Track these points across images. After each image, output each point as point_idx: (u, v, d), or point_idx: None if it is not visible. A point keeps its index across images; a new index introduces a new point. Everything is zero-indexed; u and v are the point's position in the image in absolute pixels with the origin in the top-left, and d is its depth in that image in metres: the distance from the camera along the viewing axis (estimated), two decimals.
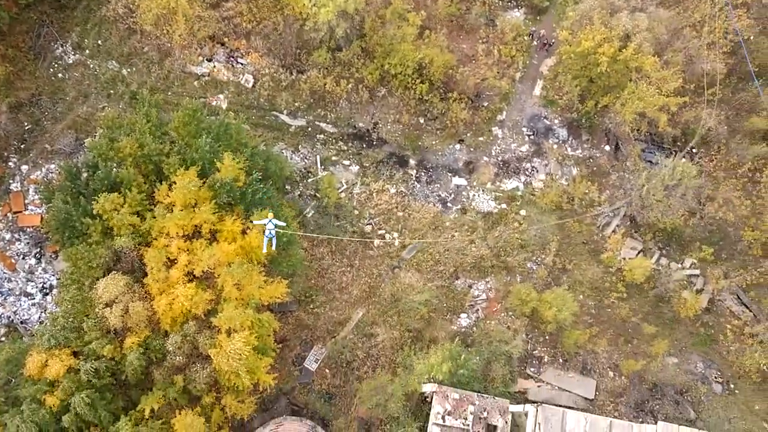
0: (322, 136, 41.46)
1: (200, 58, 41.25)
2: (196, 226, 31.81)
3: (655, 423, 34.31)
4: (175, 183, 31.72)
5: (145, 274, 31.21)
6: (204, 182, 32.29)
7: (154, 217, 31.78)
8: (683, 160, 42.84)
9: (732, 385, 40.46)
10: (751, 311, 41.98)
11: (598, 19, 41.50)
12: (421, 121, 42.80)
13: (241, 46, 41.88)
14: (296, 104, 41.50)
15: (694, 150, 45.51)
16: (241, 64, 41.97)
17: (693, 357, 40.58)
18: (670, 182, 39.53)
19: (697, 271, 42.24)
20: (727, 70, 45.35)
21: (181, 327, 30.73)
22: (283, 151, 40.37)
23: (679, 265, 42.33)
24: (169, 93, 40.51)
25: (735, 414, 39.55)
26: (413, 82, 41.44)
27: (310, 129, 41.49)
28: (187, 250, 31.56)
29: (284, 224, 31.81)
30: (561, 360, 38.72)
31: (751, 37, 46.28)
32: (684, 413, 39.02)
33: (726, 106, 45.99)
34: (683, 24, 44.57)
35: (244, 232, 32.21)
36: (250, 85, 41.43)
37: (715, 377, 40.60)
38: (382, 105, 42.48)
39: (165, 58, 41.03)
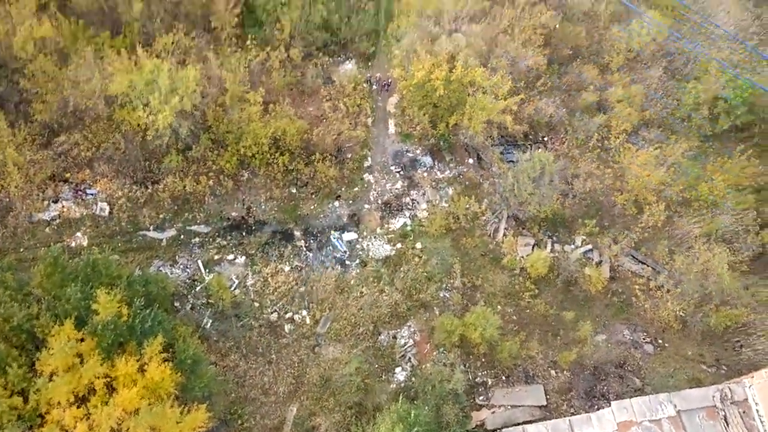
0: (197, 239, 37.12)
1: (45, 203, 35.93)
2: (87, 384, 26.49)
3: (609, 404, 32.80)
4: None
5: None
6: (83, 331, 27.12)
7: (37, 390, 26.14)
8: (539, 150, 42.98)
9: (660, 341, 39.93)
10: (648, 266, 42.18)
11: (422, 50, 41.23)
12: (293, 190, 39.79)
13: (86, 176, 37.00)
14: (161, 216, 36.99)
15: (545, 138, 46.02)
16: (91, 194, 37.01)
17: (617, 327, 39.71)
18: (534, 174, 39.19)
19: (590, 246, 42.00)
20: (547, 59, 46.63)
21: None
22: (161, 268, 35.54)
23: (572, 246, 41.94)
24: (21, 249, 34.76)
25: (673, 366, 38.84)
26: (273, 156, 38.54)
27: (182, 237, 37.02)
28: (85, 415, 26.12)
29: None
30: (504, 377, 36.32)
31: (557, 26, 48.09)
32: (630, 384, 37.70)
33: (557, 91, 47.22)
34: (496, 32, 45.32)
35: (141, 370, 27.26)
36: (107, 212, 36.49)
37: (644, 339, 39.92)
38: (249, 188, 39.02)
39: (6, 215, 35.36)
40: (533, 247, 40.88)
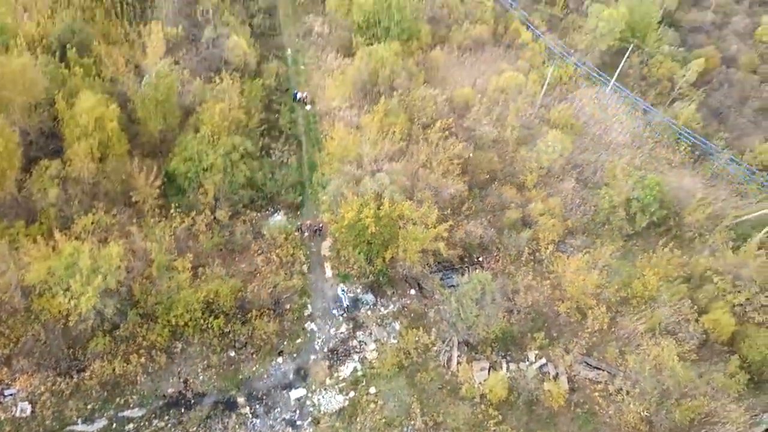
0: (131, 425, 34.58)
1: None
2: None
3: None
4: None
5: None
6: None
7: None
8: (476, 271, 44.27)
9: None
10: (603, 370, 42.54)
11: (349, 192, 43.15)
12: (232, 353, 38.57)
13: (3, 376, 34.54)
14: (89, 407, 34.59)
15: (479, 259, 47.70)
16: (10, 395, 34.35)
17: None
18: (476, 295, 40.05)
19: (543, 360, 42.23)
20: (467, 185, 49.81)
21: None
22: None
23: (527, 363, 41.99)
24: None
25: None
26: (206, 321, 37.82)
27: (114, 425, 34.40)
28: None
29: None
30: None
31: (471, 155, 52.01)
32: None
33: (483, 213, 49.97)
34: (416, 167, 48.42)
35: None
36: (29, 412, 33.78)
37: None
38: (184, 359, 37.53)
39: None
40: (489, 371, 40.60)
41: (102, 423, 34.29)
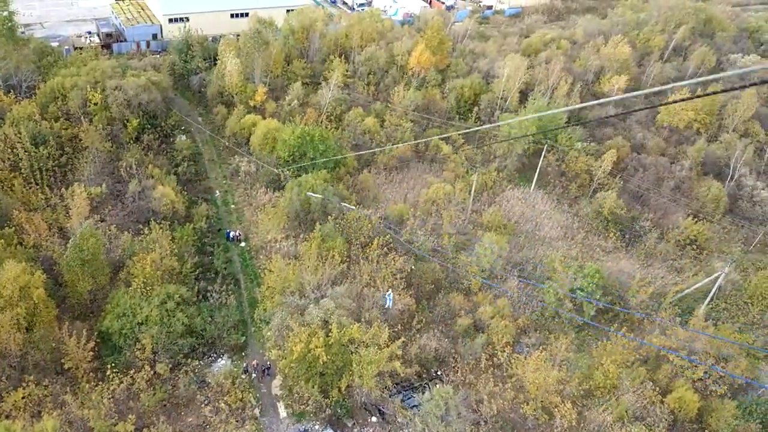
0: None
1: None
2: None
3: None
4: None
5: None
6: None
7: None
8: (437, 386, 45.66)
9: None
10: None
11: (294, 323, 44.59)
12: None
13: None
14: None
15: (438, 373, 49.26)
16: None
17: None
18: (440, 412, 41.18)
19: None
20: (414, 298, 52.60)
21: None
22: None
23: None
24: None
25: None
26: None
27: None
28: None
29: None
30: None
31: (412, 267, 55.30)
32: None
33: (434, 324, 52.30)
34: (360, 288, 51.05)
35: None
36: None
37: None
38: None
39: None
40: None
41: None
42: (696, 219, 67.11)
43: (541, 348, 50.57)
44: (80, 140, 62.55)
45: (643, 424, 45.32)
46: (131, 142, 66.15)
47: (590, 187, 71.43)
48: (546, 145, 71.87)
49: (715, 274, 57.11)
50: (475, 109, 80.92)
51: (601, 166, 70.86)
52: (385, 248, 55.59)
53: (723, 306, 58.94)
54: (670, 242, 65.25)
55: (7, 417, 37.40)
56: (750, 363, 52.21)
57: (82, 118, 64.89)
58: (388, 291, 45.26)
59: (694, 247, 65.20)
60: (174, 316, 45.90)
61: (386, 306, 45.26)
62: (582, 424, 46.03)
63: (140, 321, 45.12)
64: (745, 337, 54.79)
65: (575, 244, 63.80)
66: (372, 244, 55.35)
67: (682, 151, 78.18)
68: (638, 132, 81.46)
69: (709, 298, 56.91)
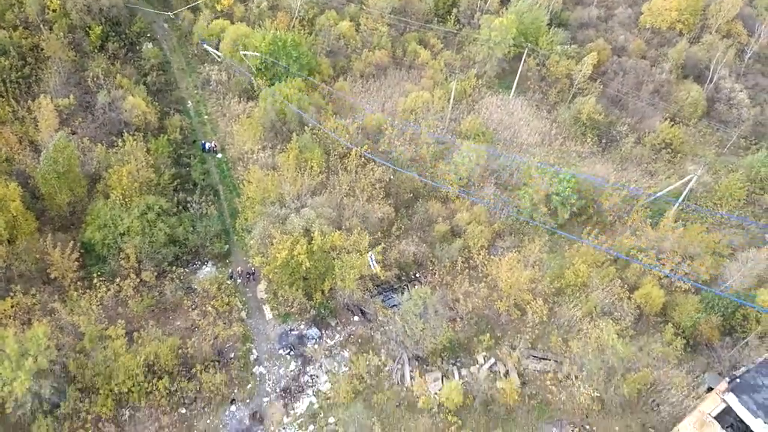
0: None
1: None
2: None
3: None
4: None
5: None
6: None
7: None
8: (415, 287, 49.38)
9: (587, 426, 45.00)
10: (550, 360, 48.40)
11: (276, 232, 47.34)
12: (183, 411, 41.44)
13: None
14: None
15: (416, 275, 53.09)
16: None
17: (546, 428, 44.35)
18: (418, 310, 44.91)
19: (492, 360, 47.58)
20: (393, 207, 55.59)
21: None
22: None
23: (477, 366, 47.16)
24: None
25: None
26: (150, 384, 40.60)
27: None
28: None
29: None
30: None
31: (391, 177, 57.79)
32: None
33: (413, 231, 55.62)
34: (339, 197, 53.60)
35: None
36: None
37: (572, 430, 44.72)
38: (134, 426, 40.04)
39: None
40: (442, 380, 45.41)
41: None
42: (673, 123, 70.02)
43: (515, 250, 54.38)
44: (42, 50, 62.19)
45: (611, 318, 49.95)
46: (96, 51, 65.82)
47: (570, 92, 73.40)
48: (527, 49, 72.96)
49: (687, 177, 60.68)
50: (455, 11, 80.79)
51: (581, 70, 72.45)
52: (363, 158, 57.72)
53: (693, 208, 62.89)
54: (645, 146, 68.36)
55: None
56: (714, 260, 56.66)
57: (41, 26, 64.09)
58: (369, 253, 47.50)
59: (669, 150, 68.49)
60: (155, 227, 48.32)
61: (371, 267, 47.88)
62: (552, 319, 50.60)
63: (122, 232, 47.50)
64: (712, 236, 59.03)
65: (552, 150, 66.63)
66: (350, 155, 57.37)
67: (663, 54, 79.89)
68: (620, 34, 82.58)
69: (680, 200, 60.68)
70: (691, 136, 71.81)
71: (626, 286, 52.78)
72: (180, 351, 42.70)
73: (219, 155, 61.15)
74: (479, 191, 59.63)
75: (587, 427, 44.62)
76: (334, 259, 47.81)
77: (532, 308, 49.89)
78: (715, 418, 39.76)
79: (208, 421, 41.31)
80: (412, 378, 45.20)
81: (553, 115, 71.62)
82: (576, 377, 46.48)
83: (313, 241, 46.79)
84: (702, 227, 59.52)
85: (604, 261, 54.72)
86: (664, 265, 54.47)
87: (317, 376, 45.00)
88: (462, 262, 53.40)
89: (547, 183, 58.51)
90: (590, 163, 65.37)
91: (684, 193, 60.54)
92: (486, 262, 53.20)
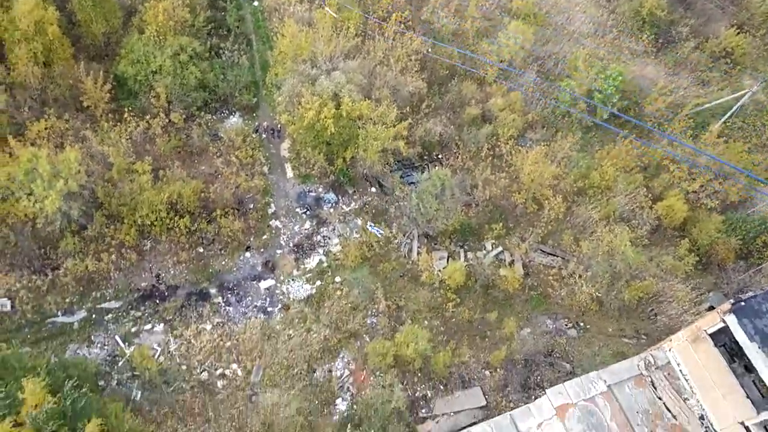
0: (109, 316, 42.02)
1: None
2: None
3: (545, 392, 38.92)
4: None
5: None
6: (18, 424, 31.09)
7: None
8: (436, 168, 51.46)
9: (582, 324, 48.58)
10: (557, 256, 51.21)
11: (306, 91, 48.87)
12: (201, 250, 45.65)
13: None
14: (67, 300, 41.72)
15: (439, 156, 54.94)
16: None
17: (540, 319, 48.02)
18: (436, 191, 47.24)
19: (500, 248, 50.53)
20: (426, 82, 56.15)
21: None
22: (77, 351, 40.07)
23: (484, 252, 50.25)
24: None
25: (597, 345, 47.53)
26: (172, 221, 44.35)
27: (94, 316, 41.83)
28: None
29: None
30: (442, 387, 43.23)
31: (429, 50, 57.93)
32: (561, 369, 45.77)
33: (442, 110, 56.66)
34: (373, 65, 54.31)
35: None
36: (9, 307, 40.74)
37: (566, 325, 48.39)
38: (154, 256, 44.52)
39: None
40: (448, 260, 48.79)
41: (82, 314, 41.64)
42: (739, 31, 67.54)
43: (544, 144, 55.51)
44: None
45: (628, 225, 51.94)
46: None
47: None
48: None
49: (742, 92, 59.79)
50: None
51: None
52: (403, 26, 57.43)
53: (739, 125, 62.46)
54: (704, 52, 66.59)
55: (32, 144, 43.47)
56: (749, 183, 57.30)
57: None
58: (369, 223, 49.28)
59: (728, 60, 66.72)
60: (187, 69, 50.11)
61: (374, 230, 49.18)
62: (568, 218, 52.78)
63: (154, 69, 49.42)
64: (752, 158, 59.17)
65: (604, 43, 65.29)
66: (389, 19, 57.06)
67: None
68: None
69: (728, 115, 60.27)
70: (755, 48, 69.39)
71: (651, 195, 54.13)
72: (202, 195, 46.06)
73: (255, 2, 61.25)
74: (519, 77, 59.67)
75: (581, 324, 48.22)
76: (359, 128, 49.54)
77: (550, 204, 51.87)
78: (710, 335, 42.47)
79: (224, 263, 45.61)
80: (419, 254, 48.55)
81: (613, 4, 69.29)
82: (580, 276, 49.32)
83: (341, 107, 48.34)
84: (744, 146, 59.43)
85: (633, 167, 55.76)
86: (694, 180, 55.41)
87: (329, 238, 48.58)
88: (488, 149, 54.86)
89: (592, 77, 58.29)
90: (641, 63, 64.26)
91: (734, 108, 59.96)
92: (512, 152, 54.62)
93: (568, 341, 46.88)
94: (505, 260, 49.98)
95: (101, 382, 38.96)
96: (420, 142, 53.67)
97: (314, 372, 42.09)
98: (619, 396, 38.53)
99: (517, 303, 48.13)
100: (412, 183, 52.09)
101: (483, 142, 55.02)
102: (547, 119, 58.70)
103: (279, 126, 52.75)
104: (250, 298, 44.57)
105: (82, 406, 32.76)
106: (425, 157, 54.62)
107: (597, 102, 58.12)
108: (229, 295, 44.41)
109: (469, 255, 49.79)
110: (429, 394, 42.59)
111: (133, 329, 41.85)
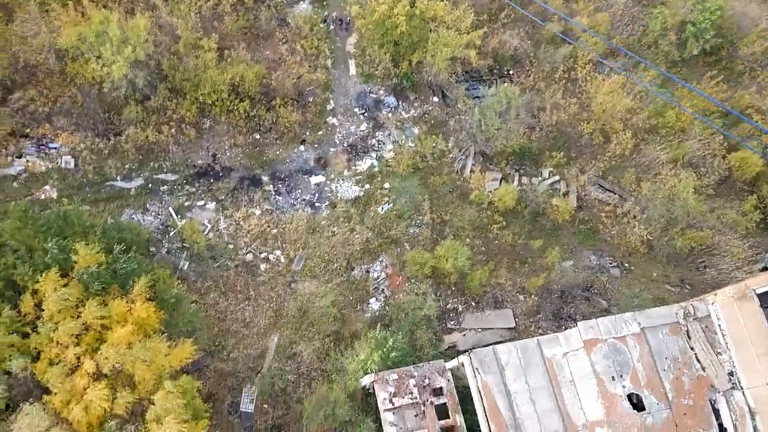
0: (165, 187, 45.21)
1: (9, 159, 43.59)
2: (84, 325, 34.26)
3: (576, 325, 39.81)
4: (35, 292, 33.97)
5: (44, 392, 33.25)
6: (69, 278, 34.67)
7: (37, 331, 33.84)
8: (504, 84, 51.52)
9: (626, 264, 49.69)
10: (615, 193, 51.61)
11: None
12: (257, 136, 47.80)
13: (46, 131, 44.44)
14: (126, 166, 44.95)
15: (510, 72, 54.69)
16: (54, 148, 44.56)
17: (584, 253, 49.24)
18: (500, 108, 47.64)
19: (557, 177, 51.15)
20: None
21: (101, 429, 33.08)
22: (133, 216, 43.61)
23: (540, 178, 51.03)
24: None
25: (638, 288, 48.71)
26: (233, 103, 46.27)
27: (150, 185, 45.12)
28: (83, 352, 33.93)
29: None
30: (473, 303, 45.60)
31: None
32: (597, 305, 47.45)
33: (522, 23, 55.68)
34: None
35: (129, 309, 35.11)
36: (72, 165, 44.23)
37: (610, 263, 49.59)
38: (212, 136, 46.92)
39: None
40: (500, 182, 49.81)
41: (139, 182, 45.03)
42: None
43: (624, 74, 54.40)
44: None
45: (694, 171, 51.48)
46: None
47: None
48: None
49: None
50: None
51: None
52: None
53: None
54: None
55: (104, 7, 45.24)
56: None
57: None
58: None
59: None
60: None
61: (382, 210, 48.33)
62: (634, 156, 52.56)
63: None
64: None
65: None
66: None
67: None
68: None
69: None
70: None
71: (726, 144, 53.16)
72: (264, 81, 47.58)
73: None
74: None
75: (626, 264, 49.27)
76: (430, 31, 49.42)
77: (618, 139, 51.60)
78: (757, 295, 42.99)
79: (278, 153, 47.85)
80: (472, 171, 49.61)
81: None
82: (634, 217, 49.82)
83: (415, 5, 48.14)
84: None
85: (713, 111, 54.46)
86: None
87: (384, 143, 49.95)
88: (563, 71, 54.20)
89: (689, 8, 55.99)
90: None
91: None
92: (588, 78, 53.86)
93: (609, 279, 48.18)
94: (559, 190, 50.68)
95: (152, 249, 42.70)
96: (492, 55, 53.32)
97: (352, 270, 44.94)
98: (651, 339, 39.57)
99: (564, 234, 49.28)
100: (476, 97, 52.34)
101: (559, 62, 54.28)
102: (631, 47, 57.03)
103: (348, 18, 53.00)
104: (299, 190, 47.01)
105: (133, 267, 36.16)
106: (495, 71, 54.41)
107: (688, 35, 56.10)
108: (280, 185, 46.92)
109: (524, 180, 50.63)
110: (460, 308, 45.10)
111: (186, 203, 45.11)
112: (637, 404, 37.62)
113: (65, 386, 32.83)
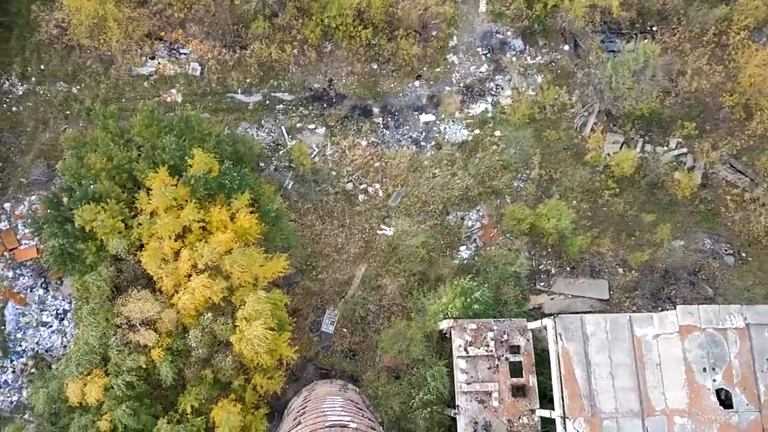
0: (281, 106, 48.75)
1: (143, 59, 48.46)
2: (184, 224, 38.59)
3: (674, 308, 39.84)
4: (150, 190, 38.43)
5: (149, 280, 38.22)
6: (179, 179, 38.84)
7: (140, 224, 38.53)
8: (645, 41, 50.21)
9: (744, 254, 48.58)
10: (747, 176, 49.88)
11: None
12: (374, 66, 49.94)
13: (179, 36, 48.79)
14: (247, 81, 48.71)
15: (653, 28, 52.94)
16: (184, 54, 49.01)
17: (698, 235, 48.55)
18: (636, 67, 46.63)
19: (685, 150, 50.03)
20: None
21: (198, 320, 37.75)
22: (248, 130, 47.66)
23: (665, 148, 50.10)
24: (123, 100, 47.87)
25: (751, 281, 47.73)
26: (356, 29, 48.33)
27: (267, 102, 48.78)
28: (182, 248, 38.38)
29: None
30: (568, 268, 46.64)
31: None
32: (701, 292, 47.12)
33: None
34: None
35: (232, 218, 39.07)
36: (198, 72, 48.62)
37: (725, 250, 48.65)
38: (331, 60, 49.53)
39: (109, 67, 48.41)
40: (622, 146, 49.42)
41: (257, 98, 48.81)
42: None
43: None
44: None
45: None
46: None
47: None
48: None
49: None
50: None
51: None
52: None
53: None
54: None
55: None
56: None
57: None
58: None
59: None
60: None
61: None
62: None
63: None
64: None
65: None
66: None
67: None
68: None
69: None
70: None
71: None
72: (390, 9, 48.97)
73: None
74: None
75: (743, 254, 48.17)
76: None
77: (762, 117, 49.42)
78: None
79: (392, 85, 49.93)
80: (592, 131, 49.48)
81: None
82: (763, 205, 48.16)
83: None
84: None
85: None
86: None
87: (502, 88, 50.63)
88: (713, 34, 51.81)
89: None
90: None
91: None
92: (740, 46, 51.28)
93: (720, 267, 47.53)
94: (684, 164, 49.67)
95: (261, 164, 46.75)
96: (637, 7, 51.75)
97: (447, 214, 47.06)
98: (755, 337, 39.03)
99: (681, 212, 48.66)
100: (612, 51, 51.35)
101: (711, 24, 51.83)
102: None
103: None
104: (407, 127, 49.13)
105: (239, 181, 39.86)
106: (636, 26, 52.85)
107: None
108: (389, 119, 49.21)
109: (647, 147, 49.95)
110: (553, 271, 46.36)
111: (298, 125, 48.55)
112: (725, 401, 37.75)
113: (169, 268, 37.54)
